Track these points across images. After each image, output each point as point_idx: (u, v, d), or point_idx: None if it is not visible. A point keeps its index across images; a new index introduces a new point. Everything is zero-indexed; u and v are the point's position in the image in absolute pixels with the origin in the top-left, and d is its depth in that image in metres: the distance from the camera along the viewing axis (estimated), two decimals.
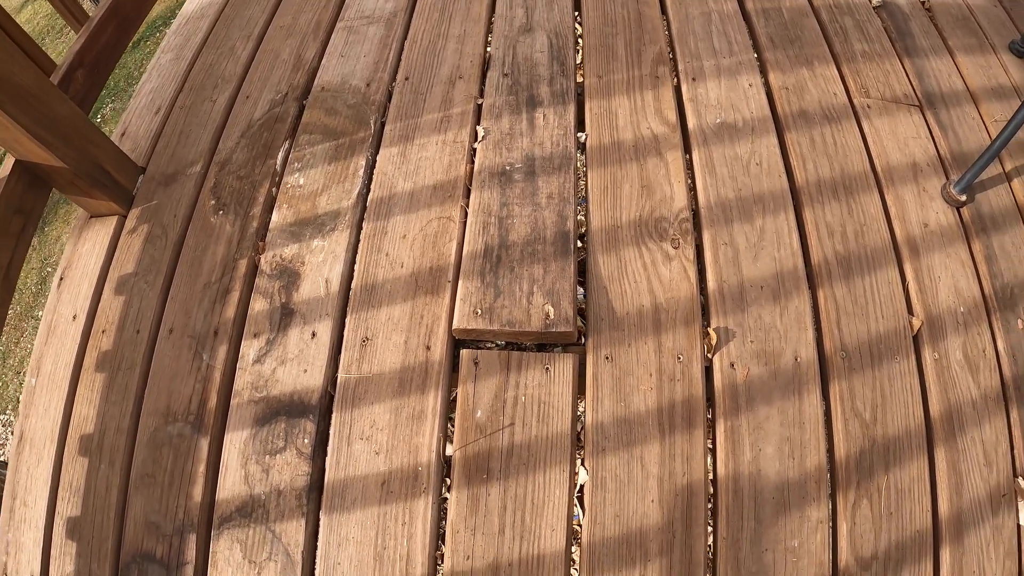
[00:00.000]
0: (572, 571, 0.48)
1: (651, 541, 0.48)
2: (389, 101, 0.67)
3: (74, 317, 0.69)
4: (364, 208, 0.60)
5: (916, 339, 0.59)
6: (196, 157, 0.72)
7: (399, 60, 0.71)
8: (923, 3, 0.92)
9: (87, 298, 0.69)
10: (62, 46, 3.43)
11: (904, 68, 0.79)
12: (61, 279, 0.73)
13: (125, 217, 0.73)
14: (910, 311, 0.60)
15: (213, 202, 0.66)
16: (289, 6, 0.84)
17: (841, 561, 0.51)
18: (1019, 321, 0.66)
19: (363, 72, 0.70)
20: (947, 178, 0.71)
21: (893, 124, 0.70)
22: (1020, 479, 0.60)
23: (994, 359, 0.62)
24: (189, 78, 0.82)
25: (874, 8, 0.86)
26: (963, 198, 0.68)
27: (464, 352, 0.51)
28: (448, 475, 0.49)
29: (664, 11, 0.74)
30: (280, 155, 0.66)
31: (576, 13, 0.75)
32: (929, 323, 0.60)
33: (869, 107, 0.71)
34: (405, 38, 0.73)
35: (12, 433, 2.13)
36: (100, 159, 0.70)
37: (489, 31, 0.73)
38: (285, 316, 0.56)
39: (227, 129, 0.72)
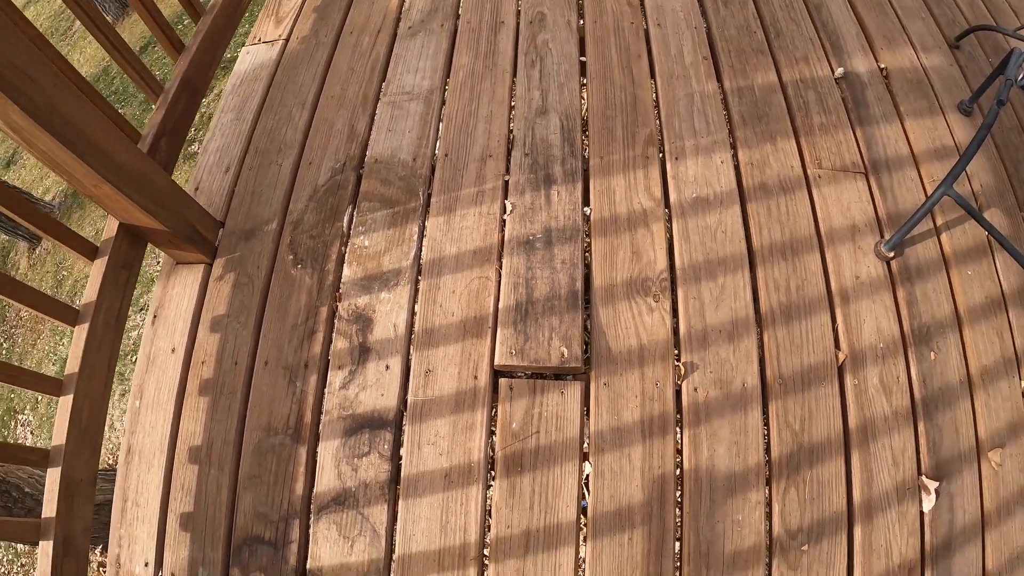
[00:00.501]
0: (581, 535, 0.77)
1: (636, 514, 0.77)
2: (433, 174, 0.95)
3: (173, 350, 0.96)
4: (419, 268, 0.87)
5: (840, 369, 0.88)
6: (270, 216, 0.99)
7: (438, 136, 0.98)
8: (881, 70, 1.20)
9: (184, 334, 0.97)
10: (65, 48, 3.64)
11: (856, 137, 1.07)
12: (155, 317, 1.00)
13: (211, 265, 1.00)
14: (837, 346, 0.89)
15: (291, 257, 0.94)
16: (336, 76, 1.11)
17: (774, 532, 0.80)
18: (932, 353, 0.95)
19: (409, 147, 0.97)
20: (881, 236, 1.00)
21: (839, 191, 0.99)
22: (923, 477, 0.89)
23: (907, 384, 0.91)
24: (253, 140, 1.08)
25: (836, 80, 1.14)
26: (891, 254, 0.97)
27: (502, 380, 0.79)
28: (492, 469, 0.78)
29: (656, 94, 1.02)
30: (345, 219, 0.94)
31: (582, 95, 1.02)
32: (852, 356, 0.89)
33: (820, 177, 0.99)
34: (441, 116, 1.00)
35: (32, 432, 2.40)
36: (191, 219, 0.97)
37: (511, 111, 1.01)
38: (363, 352, 0.84)
39: (295, 192, 0.99)
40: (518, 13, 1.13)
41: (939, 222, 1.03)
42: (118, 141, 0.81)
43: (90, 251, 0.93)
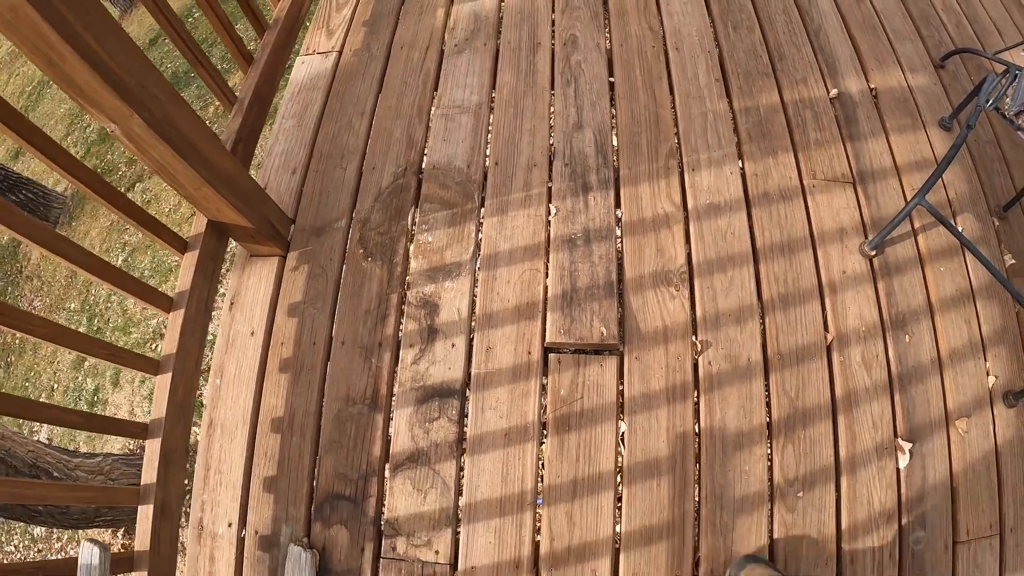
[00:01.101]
0: (618, 482, 0.99)
1: (663, 464, 0.99)
2: (485, 180, 1.15)
3: (252, 333, 1.16)
4: (478, 261, 1.08)
5: (829, 348, 1.12)
6: (339, 215, 1.19)
7: (487, 147, 1.19)
8: (871, 90, 1.44)
9: (262, 319, 1.16)
10: None
11: (846, 151, 1.31)
12: (232, 303, 1.20)
13: (284, 258, 1.19)
14: (826, 329, 1.12)
15: (362, 251, 1.14)
16: (391, 88, 1.30)
17: (775, 480, 1.03)
18: (907, 337, 1.20)
19: (463, 155, 1.18)
20: (865, 237, 1.24)
21: (830, 199, 1.22)
22: (899, 439, 1.13)
23: (885, 361, 1.15)
24: (316, 146, 1.27)
25: (831, 100, 1.38)
26: (873, 253, 1.21)
27: (551, 355, 1.01)
28: (544, 429, 0.99)
29: (675, 112, 1.24)
30: (410, 218, 1.14)
31: (613, 112, 1.24)
32: (839, 337, 1.12)
33: (814, 186, 1.22)
34: (489, 128, 1.21)
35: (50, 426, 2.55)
36: (270, 217, 1.16)
37: (551, 126, 1.22)
38: (431, 333, 1.05)
39: (360, 193, 1.19)
40: (552, 35, 1.34)
41: (916, 225, 1.27)
42: (218, 149, 1.00)
43: (180, 245, 1.12)
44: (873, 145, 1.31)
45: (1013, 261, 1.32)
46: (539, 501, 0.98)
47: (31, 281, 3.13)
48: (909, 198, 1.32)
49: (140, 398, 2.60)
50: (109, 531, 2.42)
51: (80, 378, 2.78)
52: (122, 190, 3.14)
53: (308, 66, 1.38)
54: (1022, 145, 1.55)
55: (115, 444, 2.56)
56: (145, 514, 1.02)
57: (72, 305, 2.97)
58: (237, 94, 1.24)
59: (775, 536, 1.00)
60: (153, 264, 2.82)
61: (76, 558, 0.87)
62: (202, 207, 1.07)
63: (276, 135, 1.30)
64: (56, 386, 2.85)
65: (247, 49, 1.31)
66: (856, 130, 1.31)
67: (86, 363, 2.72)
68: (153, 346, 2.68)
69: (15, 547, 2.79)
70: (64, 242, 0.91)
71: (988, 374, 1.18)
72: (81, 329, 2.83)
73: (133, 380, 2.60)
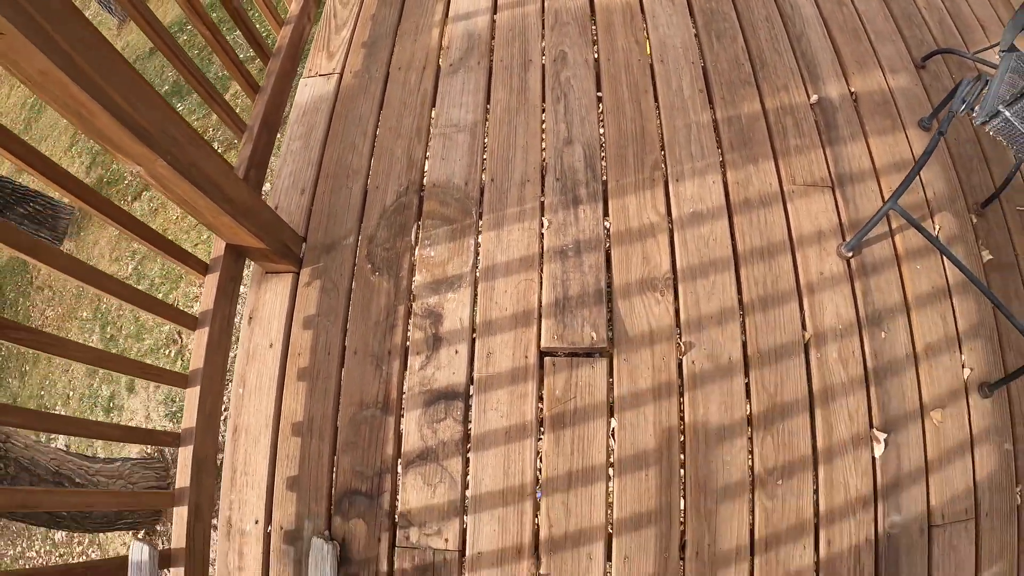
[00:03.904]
0: (609, 474, 1.13)
1: (650, 457, 1.12)
2: (482, 196, 1.28)
3: (271, 345, 1.30)
4: (477, 273, 1.22)
5: (807, 345, 1.24)
6: (347, 232, 1.32)
7: (483, 164, 1.32)
8: (851, 94, 1.55)
9: (279, 331, 1.31)
10: None
11: (825, 156, 1.42)
12: (251, 318, 1.34)
13: (298, 274, 1.33)
14: (804, 328, 1.24)
15: (369, 266, 1.27)
16: (391, 109, 1.43)
17: (755, 470, 1.17)
18: (882, 333, 1.32)
19: (461, 173, 1.30)
20: (843, 240, 1.36)
21: (809, 203, 1.34)
22: (874, 430, 1.26)
23: (861, 357, 1.27)
24: (323, 166, 1.40)
25: (811, 105, 1.49)
26: (850, 255, 1.33)
27: (547, 359, 1.14)
28: (541, 426, 1.13)
29: (660, 125, 1.36)
30: (413, 234, 1.27)
31: (601, 126, 1.36)
32: (816, 335, 1.24)
33: (793, 191, 1.34)
34: (485, 146, 1.33)
35: (66, 440, 2.73)
36: (284, 238, 1.30)
37: (543, 141, 1.34)
38: (436, 341, 1.19)
39: (366, 211, 1.32)
40: (543, 52, 1.46)
41: (894, 226, 1.38)
42: (235, 183, 1.14)
43: (202, 268, 1.26)
44: (852, 149, 1.43)
45: (991, 257, 1.43)
46: (539, 494, 1.12)
47: (42, 292, 3.30)
48: (886, 200, 1.44)
49: (155, 403, 2.76)
50: (130, 533, 2.60)
51: (95, 385, 2.95)
52: (129, 199, 3.31)
53: (311, 88, 1.51)
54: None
55: (132, 448, 2.74)
56: (180, 515, 1.16)
57: (84, 314, 3.14)
58: (238, 107, 1.38)
59: (756, 521, 1.13)
60: (163, 272, 2.97)
61: (119, 558, 1.02)
62: (221, 232, 1.20)
63: (284, 157, 1.44)
64: (72, 394, 3.03)
65: (250, 75, 1.45)
66: (836, 135, 1.43)
67: (100, 370, 2.89)
68: (167, 351, 2.84)
69: (36, 552, 2.99)
70: (97, 273, 1.04)
71: (963, 367, 1.30)
72: (95, 337, 3.00)
73: (148, 386, 2.77)
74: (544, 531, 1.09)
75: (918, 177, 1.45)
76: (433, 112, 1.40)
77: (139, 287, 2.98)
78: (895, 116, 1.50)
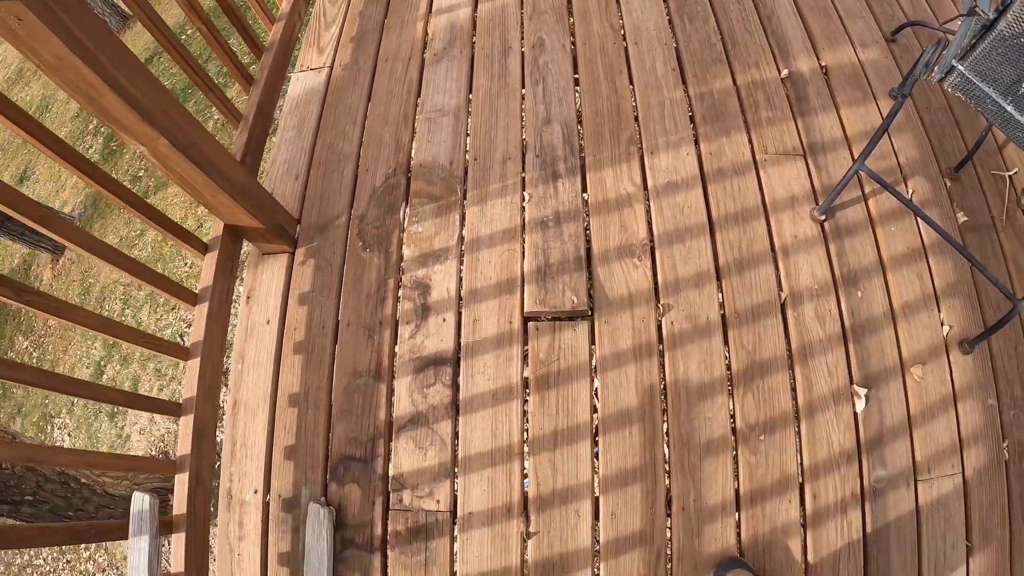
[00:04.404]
0: (594, 432, 1.18)
1: (634, 414, 1.17)
2: (466, 175, 1.36)
3: (267, 322, 1.37)
4: (463, 246, 1.29)
5: (783, 305, 1.29)
6: (339, 213, 1.40)
7: (467, 145, 1.40)
8: (822, 67, 1.62)
9: (276, 308, 1.38)
10: None
11: (797, 127, 1.48)
12: (249, 297, 1.41)
13: (293, 254, 1.41)
14: (780, 288, 1.30)
15: (360, 243, 1.35)
16: (379, 98, 1.52)
17: (737, 426, 1.21)
18: (859, 292, 1.37)
19: (446, 154, 1.38)
20: (815, 204, 1.42)
21: (781, 171, 1.40)
22: (854, 386, 1.30)
23: (838, 316, 1.32)
24: (315, 153, 1.49)
25: (782, 79, 1.56)
26: (823, 218, 1.38)
27: (530, 324, 1.20)
28: (527, 388, 1.19)
29: (634, 102, 1.44)
30: (401, 212, 1.35)
31: (578, 106, 1.44)
32: (792, 295, 1.30)
33: (766, 160, 1.40)
34: (468, 129, 1.41)
35: (69, 435, 2.81)
36: (279, 219, 1.38)
37: (523, 122, 1.42)
38: (425, 311, 1.25)
39: (357, 193, 1.40)
40: (522, 39, 1.55)
41: (866, 191, 1.44)
42: (231, 163, 1.22)
43: (202, 247, 1.34)
44: (823, 119, 1.49)
45: (966, 219, 1.48)
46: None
47: None
48: (854, 162, 1.50)
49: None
50: None
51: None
52: None
53: (303, 82, 1.60)
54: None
55: (138, 448, 2.81)
56: (182, 482, 1.23)
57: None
58: (240, 108, 1.47)
59: (740, 476, 1.18)
60: (164, 274, 3.08)
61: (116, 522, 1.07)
62: (219, 212, 1.29)
63: (278, 145, 1.52)
64: (76, 400, 3.11)
65: (246, 69, 1.54)
66: (807, 106, 1.49)
67: (104, 375, 2.97)
68: None
69: (44, 560, 3.05)
70: (111, 250, 1.13)
71: (943, 324, 1.34)
72: (97, 343, 3.10)
73: (151, 389, 2.85)
74: (532, 490, 1.14)
75: (890, 143, 1.51)
76: (419, 99, 1.48)
77: (140, 292, 3.08)
78: (866, 87, 1.57)
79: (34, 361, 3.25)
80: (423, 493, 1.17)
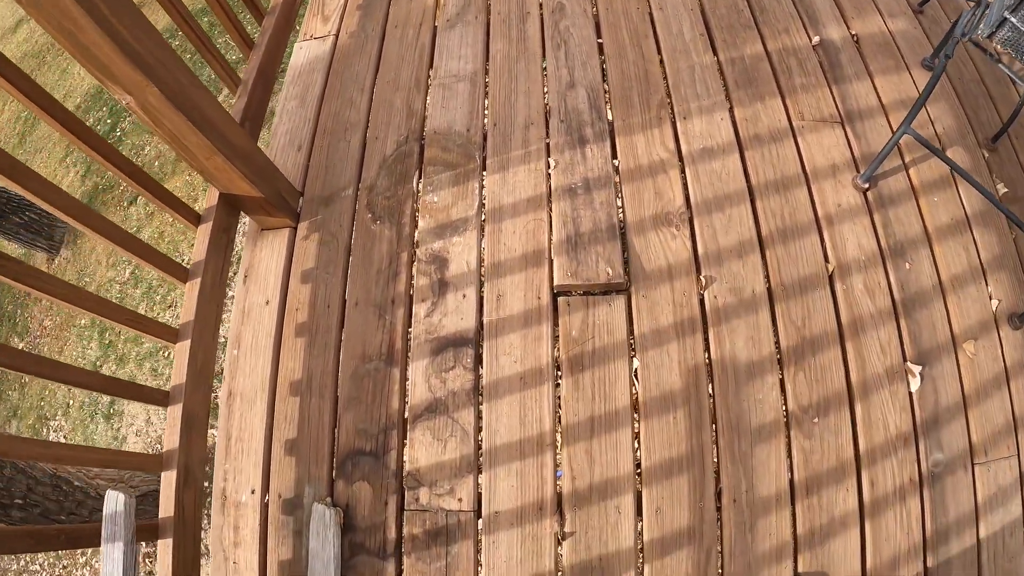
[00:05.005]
0: (635, 418, 0.99)
1: (678, 397, 1.00)
2: (485, 141, 1.18)
3: (267, 302, 1.18)
4: (483, 216, 1.10)
5: (831, 277, 1.13)
6: (346, 184, 1.21)
7: (485, 110, 1.22)
8: (853, 36, 1.47)
9: (276, 288, 1.18)
10: (64, 63, 3.83)
11: (832, 93, 1.33)
12: (246, 276, 1.22)
13: (295, 229, 1.22)
14: (826, 260, 1.13)
15: (370, 215, 1.16)
16: (388, 64, 1.34)
17: (789, 407, 1.04)
18: (907, 264, 1.21)
19: (462, 120, 1.21)
20: (857, 172, 1.26)
21: (820, 138, 1.24)
22: (908, 363, 1.14)
23: (887, 288, 1.16)
24: (320, 122, 1.30)
25: (813, 47, 1.41)
26: (866, 186, 1.23)
27: (560, 299, 1.03)
28: (559, 370, 1.01)
29: (663, 67, 1.27)
30: (415, 181, 1.16)
31: (603, 71, 1.27)
32: (840, 267, 1.13)
33: (803, 127, 1.24)
34: (486, 94, 1.24)
35: (64, 437, 2.58)
36: (280, 188, 1.19)
37: (545, 87, 1.25)
38: (442, 286, 1.07)
39: (366, 162, 1.22)
40: (540, 4, 1.38)
41: (907, 159, 1.29)
42: (229, 122, 1.03)
43: (195, 218, 1.15)
44: (858, 87, 1.34)
45: (1006, 190, 1.33)
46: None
47: (39, 303, 3.16)
48: (899, 126, 1.34)
49: (156, 407, 2.61)
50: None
51: (95, 393, 2.79)
52: (125, 204, 3.20)
53: (306, 51, 1.42)
54: (1005, 80, 1.58)
55: (133, 450, 2.57)
56: (168, 481, 1.03)
57: (82, 321, 2.99)
58: (241, 75, 1.28)
59: (795, 463, 1.00)
60: (160, 274, 2.86)
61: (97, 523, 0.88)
62: (214, 178, 1.09)
63: (280, 116, 1.34)
64: (72, 402, 2.86)
65: (246, 33, 1.36)
66: (840, 73, 1.34)
67: None
68: (166, 353, 2.70)
69: (40, 566, 2.78)
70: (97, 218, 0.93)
71: (991, 298, 1.19)
72: (93, 344, 2.85)
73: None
74: (566, 484, 0.95)
75: (926, 112, 1.36)
76: (432, 66, 1.31)
77: (136, 290, 2.84)
78: (898, 56, 1.42)
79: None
80: (443, 490, 0.98)
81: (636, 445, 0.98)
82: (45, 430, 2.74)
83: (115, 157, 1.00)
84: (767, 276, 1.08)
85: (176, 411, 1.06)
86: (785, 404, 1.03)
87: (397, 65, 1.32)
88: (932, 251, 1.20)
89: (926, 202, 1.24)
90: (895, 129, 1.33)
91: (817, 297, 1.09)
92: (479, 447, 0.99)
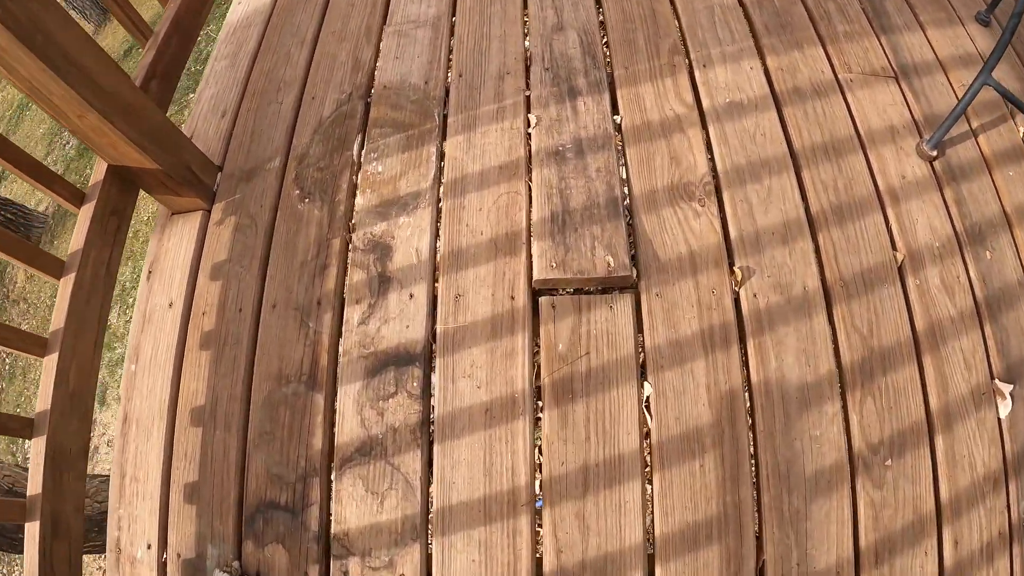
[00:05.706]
0: (646, 466, 0.65)
1: (706, 436, 0.66)
2: (448, 96, 0.85)
3: (170, 304, 0.84)
4: (440, 188, 0.77)
5: (900, 269, 0.79)
6: (272, 153, 0.88)
7: (450, 59, 0.89)
8: None
9: (182, 286, 0.85)
10: None
11: (881, 44, 1.00)
12: (150, 272, 0.88)
13: (209, 212, 0.88)
14: (894, 247, 0.80)
15: (298, 192, 0.83)
16: (336, 13, 1.01)
17: (855, 446, 0.70)
18: (988, 253, 0.87)
19: (420, 71, 0.87)
20: (920, 137, 0.92)
21: (872, 94, 0.91)
22: (996, 381, 0.80)
23: (967, 284, 0.83)
24: (250, 83, 0.97)
25: None
26: (934, 154, 0.89)
27: (542, 299, 0.69)
28: (540, 398, 0.67)
29: (674, 6, 0.94)
30: (355, 147, 0.83)
31: (599, 11, 0.93)
32: (911, 256, 0.80)
33: (852, 81, 0.91)
34: (452, 39, 0.90)
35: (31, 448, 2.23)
36: (188, 161, 0.86)
37: (525, 31, 0.92)
38: (383, 283, 0.73)
39: (298, 127, 0.89)
40: None
41: (974, 125, 0.96)
42: (106, 67, 0.71)
43: (76, 197, 0.81)
44: (910, 38, 1.01)
45: None
46: (538, 503, 0.64)
47: (17, 305, 2.82)
48: (959, 95, 1.01)
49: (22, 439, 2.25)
50: (102, 557, 2.06)
51: None
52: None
53: (245, 6, 1.09)
54: None
55: (104, 466, 2.22)
56: (32, 534, 0.69)
57: None
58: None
59: (860, 521, 0.67)
60: (134, 275, 2.51)
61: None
62: (96, 145, 0.76)
63: (206, 79, 1.00)
64: None
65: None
66: (888, 23, 1.01)
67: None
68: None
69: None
70: None
71: None
72: None
73: (120, 399, 2.27)
74: (550, 559, 0.62)
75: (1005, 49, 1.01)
76: (388, 11, 0.97)
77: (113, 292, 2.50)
78: (948, 9, 1.09)
79: (5, 366, 2.65)
80: (379, 563, 0.64)
81: (648, 505, 0.64)
82: (18, 443, 2.39)
83: None
84: (821, 267, 0.74)
85: (40, 446, 0.72)
86: (849, 442, 0.69)
87: (346, 12, 0.98)
88: (1013, 236, 0.86)
89: (1001, 176, 0.91)
90: (957, 91, 1.00)
91: (886, 296, 0.75)
92: (428, 505, 0.65)
